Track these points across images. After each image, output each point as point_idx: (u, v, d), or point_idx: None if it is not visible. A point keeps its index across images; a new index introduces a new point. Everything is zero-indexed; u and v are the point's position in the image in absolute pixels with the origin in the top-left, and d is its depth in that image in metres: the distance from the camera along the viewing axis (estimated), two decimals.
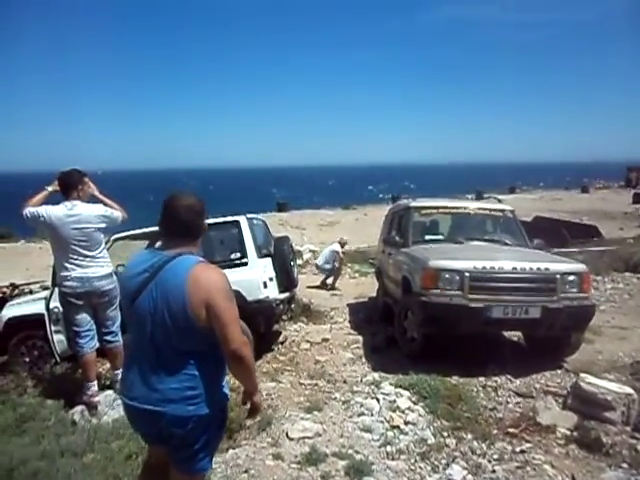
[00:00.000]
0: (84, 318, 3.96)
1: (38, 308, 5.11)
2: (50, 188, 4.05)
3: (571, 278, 4.72)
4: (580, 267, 4.91)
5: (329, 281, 9.82)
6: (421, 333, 5.06)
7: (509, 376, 4.65)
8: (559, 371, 4.77)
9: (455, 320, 4.67)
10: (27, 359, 5.11)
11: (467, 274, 4.64)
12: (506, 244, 5.90)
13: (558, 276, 4.67)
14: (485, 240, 5.99)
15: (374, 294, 8.32)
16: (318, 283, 9.83)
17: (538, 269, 4.70)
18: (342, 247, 10.42)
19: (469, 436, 3.59)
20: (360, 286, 9.77)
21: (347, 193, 43.15)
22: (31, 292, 7.63)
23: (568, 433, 3.54)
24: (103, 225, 4.02)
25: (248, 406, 2.12)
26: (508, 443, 3.46)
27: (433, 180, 72.62)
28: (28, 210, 3.86)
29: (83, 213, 3.90)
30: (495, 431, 3.65)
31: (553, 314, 4.59)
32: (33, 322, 5.09)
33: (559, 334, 4.90)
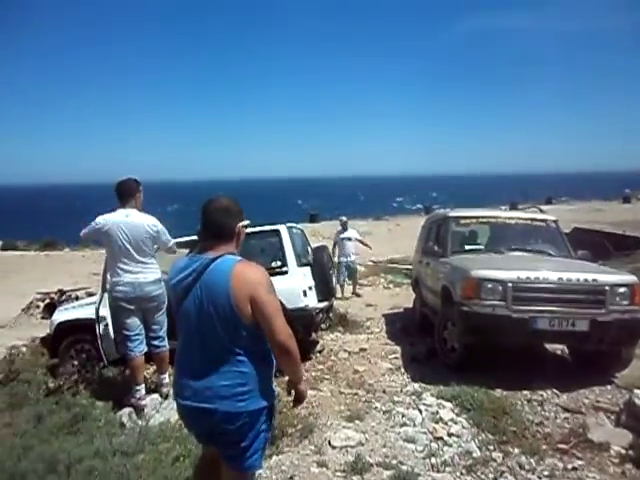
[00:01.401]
0: (134, 322, 4.09)
1: (86, 313, 5.30)
2: None
3: (621, 290, 4.55)
4: (631, 278, 4.74)
5: (341, 285, 9.59)
6: (462, 343, 4.98)
7: (555, 390, 4.51)
8: (609, 386, 4.59)
9: (498, 331, 4.57)
10: (76, 362, 5.30)
11: (510, 284, 4.56)
12: (549, 254, 5.76)
13: (607, 287, 4.51)
14: (527, 250, 5.87)
15: (409, 305, 8.25)
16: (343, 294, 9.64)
17: (586, 280, 4.56)
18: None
19: (516, 450, 3.50)
20: (395, 297, 9.71)
21: (374, 204, 43.00)
22: (77, 298, 7.94)
23: (623, 452, 3.39)
24: (154, 235, 4.12)
25: (292, 397, 2.20)
26: (559, 459, 3.35)
27: (463, 191, 71.61)
28: (83, 231, 4.12)
29: (137, 221, 4.06)
30: (544, 446, 3.54)
31: (602, 327, 4.43)
32: (82, 326, 5.27)
33: (609, 348, 4.72)
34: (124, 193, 4.11)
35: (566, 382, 4.62)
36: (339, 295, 8.90)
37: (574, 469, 3.21)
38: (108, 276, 4.26)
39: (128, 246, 3.99)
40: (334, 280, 6.19)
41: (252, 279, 1.99)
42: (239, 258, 2.08)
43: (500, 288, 4.58)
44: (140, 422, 3.84)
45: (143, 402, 4.03)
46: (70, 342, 5.30)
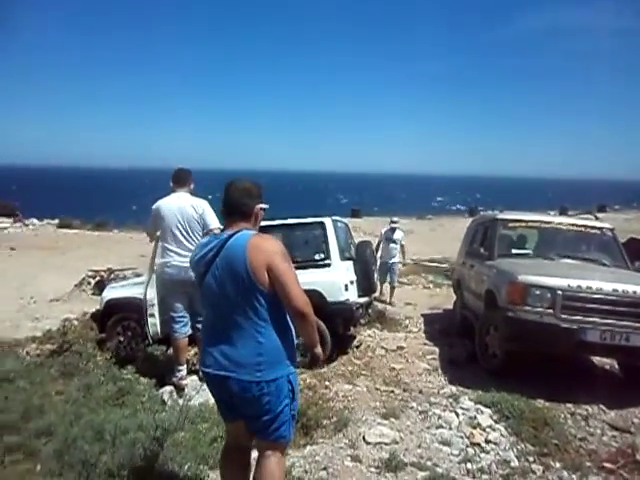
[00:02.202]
0: (180, 304, 4.22)
1: (134, 292, 5.50)
2: None
3: None
4: None
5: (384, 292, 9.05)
6: (504, 350, 4.84)
7: (602, 406, 4.31)
8: None
9: (544, 339, 4.43)
10: (122, 338, 5.53)
11: (560, 292, 4.40)
12: (603, 264, 5.51)
13: None
14: (579, 258, 5.64)
15: (449, 306, 8.11)
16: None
17: None
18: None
19: (557, 464, 3.38)
20: (434, 297, 9.56)
21: (415, 203, 42.39)
22: (125, 277, 8.27)
23: None
24: (200, 214, 4.25)
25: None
26: (603, 478, 3.21)
27: (508, 194, 69.35)
28: (147, 229, 4.65)
29: (186, 202, 4.25)
30: (588, 463, 3.40)
31: None
32: (129, 305, 5.49)
33: None
34: (179, 179, 4.38)
35: (614, 399, 4.41)
36: (377, 294, 8.47)
37: None
38: (158, 257, 4.41)
39: (179, 227, 4.17)
40: (375, 276, 6.14)
41: (268, 249, 2.09)
42: (256, 232, 2.19)
43: (549, 295, 4.44)
44: (180, 401, 3.96)
45: (184, 382, 4.16)
46: (117, 319, 5.51)
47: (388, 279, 9.14)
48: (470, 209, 30.79)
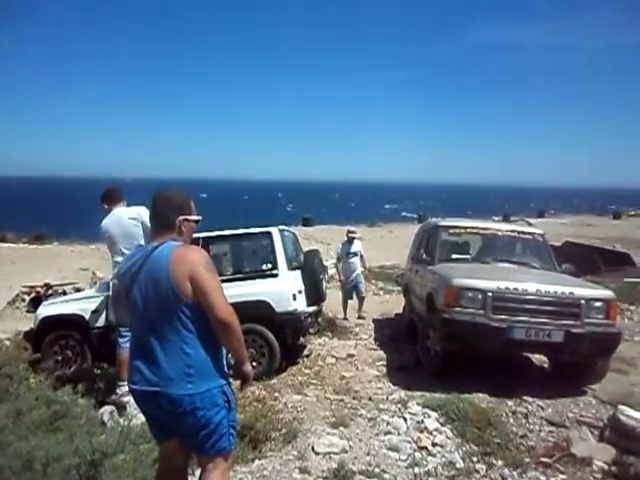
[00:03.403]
0: (127, 318, 4.08)
1: (72, 308, 5.24)
2: None
3: (597, 304, 4.69)
4: (607, 294, 4.87)
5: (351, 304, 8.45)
6: (441, 349, 5.07)
7: (540, 403, 4.52)
8: (593, 401, 4.61)
9: (476, 338, 4.68)
10: (59, 358, 5.23)
11: (490, 294, 4.66)
12: (534, 267, 5.85)
13: (583, 301, 4.64)
14: (513, 262, 5.96)
15: (399, 311, 8.26)
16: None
17: (562, 293, 4.68)
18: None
19: (499, 462, 3.50)
20: (385, 304, 9.69)
21: (365, 211, 43.11)
22: (64, 293, 7.85)
23: (606, 467, 3.40)
24: (138, 221, 4.34)
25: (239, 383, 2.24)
26: (541, 473, 3.35)
27: (457, 200, 72.12)
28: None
29: (121, 214, 4.44)
30: (527, 459, 3.54)
31: (576, 339, 4.56)
32: (67, 322, 5.22)
33: (582, 360, 4.85)
34: (112, 199, 4.57)
35: (551, 395, 4.64)
36: (340, 316, 8.11)
37: None
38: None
39: (120, 239, 4.32)
40: (324, 285, 6.15)
41: (191, 259, 2.05)
42: (180, 243, 2.14)
43: (480, 297, 4.69)
44: (122, 421, 3.78)
45: (125, 399, 3.98)
46: (54, 337, 5.23)
47: (354, 295, 8.50)
48: (419, 216, 31.59)
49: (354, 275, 8.36)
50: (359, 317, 8.25)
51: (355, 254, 8.46)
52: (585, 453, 3.52)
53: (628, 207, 43.62)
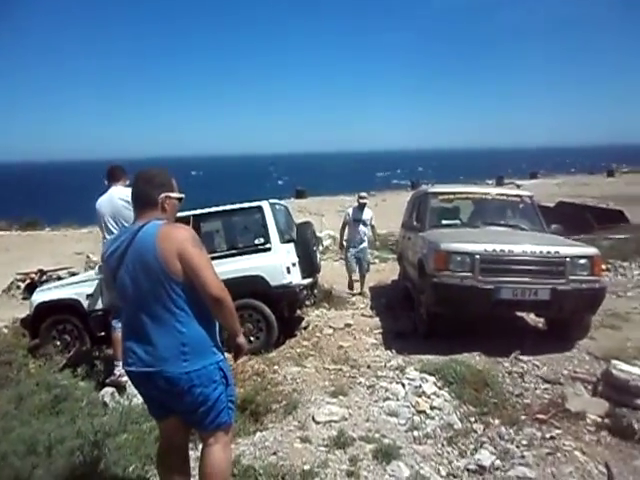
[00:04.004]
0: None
1: (67, 293, 5.23)
2: None
3: (582, 261, 4.76)
4: (591, 250, 4.93)
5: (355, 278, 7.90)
6: (432, 313, 5.16)
7: (535, 362, 4.60)
8: (587, 357, 4.69)
9: (465, 301, 4.76)
10: (58, 342, 5.25)
11: (478, 256, 4.71)
12: (522, 229, 5.89)
13: (568, 259, 4.70)
14: (502, 225, 6.00)
15: (395, 279, 8.32)
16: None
17: (548, 252, 4.74)
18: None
19: (496, 422, 3.57)
20: (380, 272, 9.73)
21: (358, 180, 42.79)
22: (59, 278, 7.83)
23: (599, 420, 3.49)
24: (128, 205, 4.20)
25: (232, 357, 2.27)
26: (537, 429, 3.43)
27: (450, 165, 71.85)
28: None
29: (115, 194, 4.36)
30: (523, 417, 3.61)
31: (562, 296, 4.64)
32: (63, 306, 5.21)
33: (569, 316, 4.97)
34: (112, 176, 4.50)
35: (546, 353, 4.73)
36: (349, 291, 7.80)
37: (552, 438, 3.29)
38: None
39: (111, 220, 4.26)
40: (318, 256, 6.15)
41: (178, 237, 2.03)
42: (165, 221, 2.12)
43: (468, 260, 4.74)
44: (123, 401, 3.82)
45: (124, 379, 4.00)
46: (51, 323, 5.24)
47: (357, 268, 7.91)
48: (412, 183, 31.50)
49: (361, 246, 7.77)
50: (360, 293, 7.85)
51: (364, 223, 7.76)
52: (579, 408, 3.60)
53: (620, 164, 43.63)
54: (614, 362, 3.84)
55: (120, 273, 2.11)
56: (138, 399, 3.84)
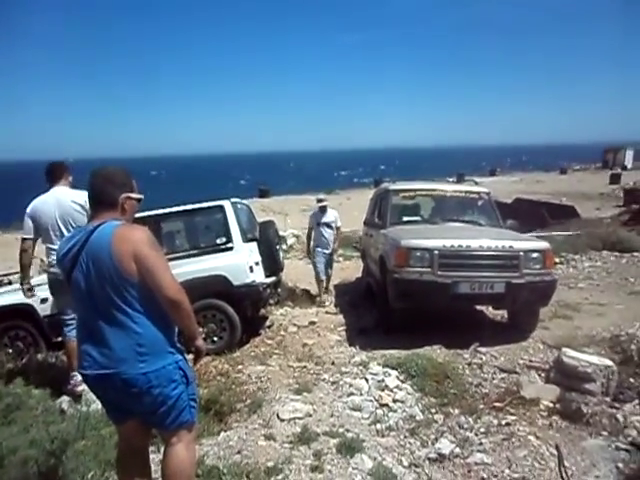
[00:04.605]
0: (69, 305, 3.90)
1: (20, 298, 5.01)
2: None
3: (534, 255, 4.95)
4: (542, 245, 5.14)
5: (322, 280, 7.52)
6: (393, 308, 5.26)
7: (493, 353, 4.76)
8: (541, 346, 4.89)
9: (424, 295, 4.89)
10: (10, 350, 5.04)
11: (436, 252, 4.84)
12: (480, 224, 6.08)
13: (521, 253, 4.89)
14: (461, 221, 6.16)
15: (359, 276, 8.41)
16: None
17: (503, 247, 4.93)
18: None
19: (456, 411, 3.68)
20: (345, 270, 9.81)
21: (320, 178, 42.87)
22: (10, 283, 7.50)
23: (551, 405, 3.64)
24: (82, 208, 3.93)
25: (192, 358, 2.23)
26: (494, 417, 3.55)
27: (413, 164, 73.18)
28: (24, 235, 4.06)
29: (63, 197, 3.96)
30: (481, 406, 3.74)
31: (517, 289, 4.82)
32: (15, 312, 5.01)
33: (522, 308, 5.19)
34: (54, 174, 4.07)
35: (503, 344, 4.91)
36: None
37: (507, 424, 3.42)
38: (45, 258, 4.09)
39: (59, 223, 3.90)
40: (280, 255, 6.14)
41: (133, 237, 2.00)
42: (122, 222, 2.08)
43: (427, 256, 4.87)
44: (81, 408, 3.70)
45: (79, 388, 3.86)
46: (2, 329, 5.03)
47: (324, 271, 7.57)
48: (375, 181, 31.86)
49: (329, 250, 7.51)
50: (323, 303, 7.34)
51: (329, 225, 7.47)
52: (533, 394, 3.75)
53: (571, 162, 45.68)
54: (564, 350, 4.02)
55: (74, 274, 2.06)
56: (97, 404, 3.74)
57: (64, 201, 3.94)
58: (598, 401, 3.57)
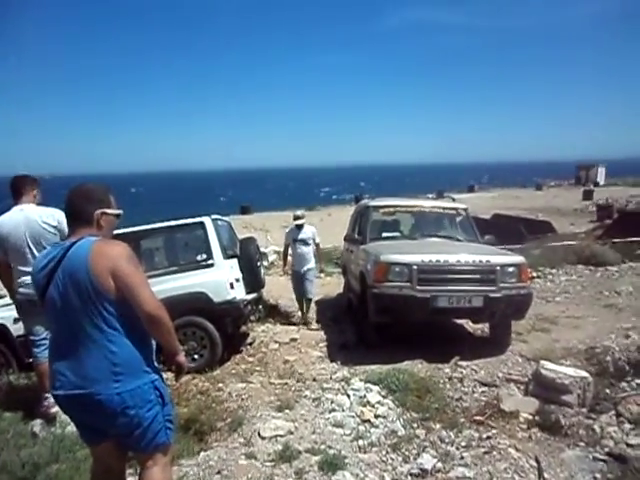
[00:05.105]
0: (39, 327, 3.78)
1: None
2: None
3: (510, 269, 5.05)
4: (518, 259, 5.25)
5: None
6: (374, 323, 5.30)
7: (473, 367, 4.79)
8: (520, 359, 4.95)
9: (404, 309, 4.94)
10: None
11: (415, 267, 4.90)
12: (458, 240, 6.18)
13: (498, 268, 4.98)
14: (439, 236, 6.26)
15: (340, 292, 8.42)
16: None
17: (480, 261, 5.02)
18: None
19: (438, 426, 3.68)
20: (326, 286, 9.79)
21: (302, 195, 43.01)
22: None
23: (530, 417, 3.69)
24: (54, 227, 3.75)
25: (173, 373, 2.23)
26: (475, 430, 3.58)
27: (394, 180, 74.26)
28: None
29: (32, 215, 3.73)
30: (462, 420, 3.76)
31: (494, 302, 4.91)
32: None
33: (500, 321, 5.27)
34: (19, 190, 3.81)
35: (482, 358, 4.95)
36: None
37: (488, 437, 3.44)
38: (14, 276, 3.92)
39: (29, 243, 3.69)
40: (262, 271, 6.13)
41: (111, 253, 1.97)
42: (99, 238, 2.05)
43: (406, 271, 4.93)
44: (55, 430, 3.59)
45: (53, 410, 3.73)
46: None
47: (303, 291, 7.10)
48: (356, 197, 32.11)
49: (305, 268, 6.99)
50: (304, 323, 6.95)
51: (305, 242, 7.04)
52: (513, 407, 3.79)
53: (545, 178, 46.98)
54: (542, 362, 4.09)
55: (49, 291, 2.02)
56: (72, 427, 3.63)
57: (34, 221, 3.71)
58: (575, 412, 3.63)
